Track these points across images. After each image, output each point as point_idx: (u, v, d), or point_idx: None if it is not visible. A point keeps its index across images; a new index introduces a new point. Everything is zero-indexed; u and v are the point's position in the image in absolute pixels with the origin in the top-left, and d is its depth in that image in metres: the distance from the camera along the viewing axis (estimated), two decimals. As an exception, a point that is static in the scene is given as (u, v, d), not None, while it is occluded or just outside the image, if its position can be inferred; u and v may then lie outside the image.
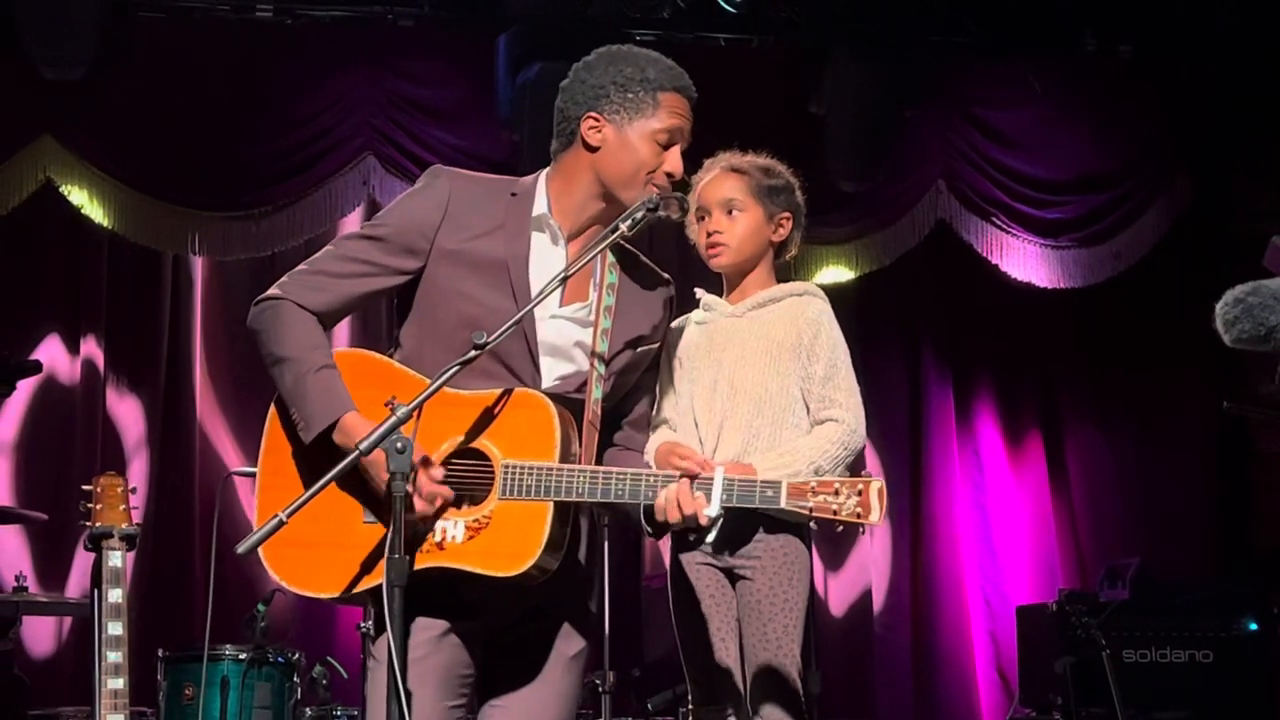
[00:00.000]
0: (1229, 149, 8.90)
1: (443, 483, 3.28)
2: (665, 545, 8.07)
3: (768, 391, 4.09)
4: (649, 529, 3.40)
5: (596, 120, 3.51)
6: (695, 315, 4.26)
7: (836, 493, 3.22)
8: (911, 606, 8.68)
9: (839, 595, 8.62)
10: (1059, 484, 8.95)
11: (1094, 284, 8.73)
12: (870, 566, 8.66)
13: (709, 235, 4.20)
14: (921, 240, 8.65)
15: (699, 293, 4.29)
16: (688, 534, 4.10)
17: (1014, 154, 8.71)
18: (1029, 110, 8.74)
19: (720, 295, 4.30)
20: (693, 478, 3.26)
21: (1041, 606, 7.74)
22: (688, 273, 4.37)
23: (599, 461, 3.47)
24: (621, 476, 3.30)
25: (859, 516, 3.20)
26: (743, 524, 4.02)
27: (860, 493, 3.21)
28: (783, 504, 3.23)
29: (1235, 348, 2.90)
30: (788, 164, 4.36)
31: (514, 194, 3.55)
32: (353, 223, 7.95)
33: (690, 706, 4.25)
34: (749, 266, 4.24)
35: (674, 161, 3.52)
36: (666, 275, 3.74)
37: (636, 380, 3.67)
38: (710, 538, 3.49)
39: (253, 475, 3.47)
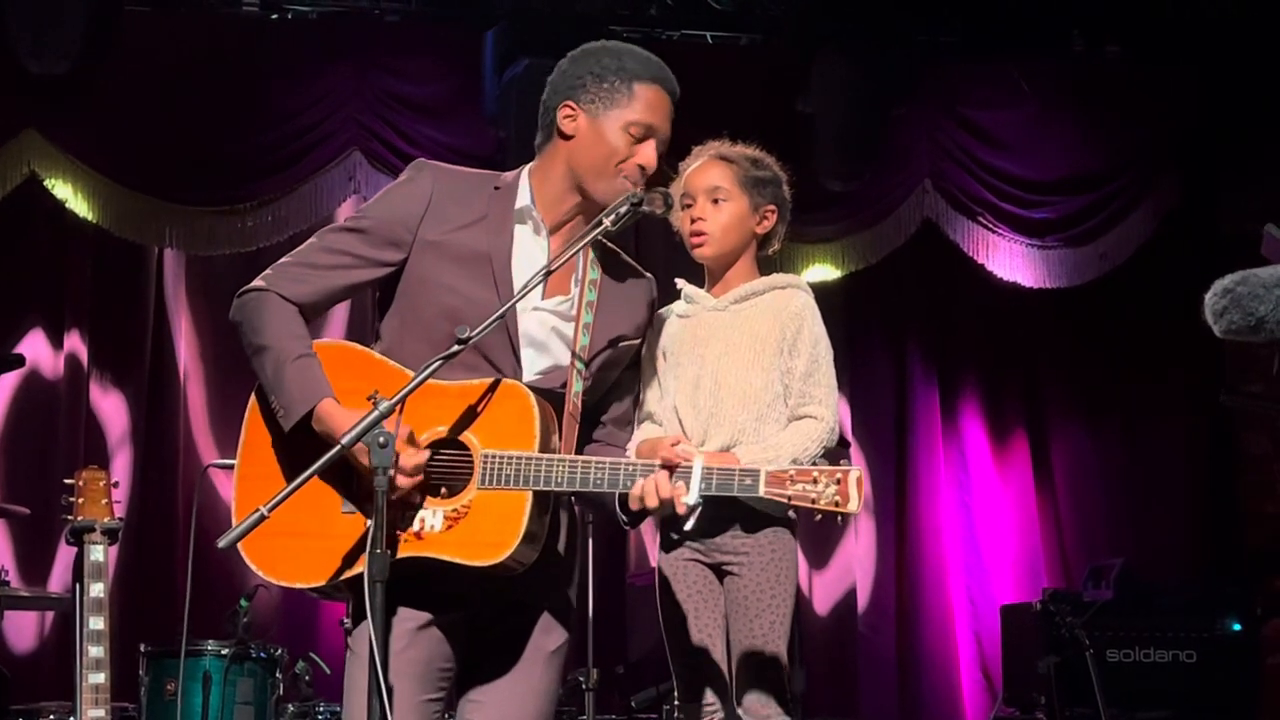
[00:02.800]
0: (1216, 149, 8.91)
1: (425, 470, 3.28)
2: (651, 542, 8.10)
3: (752, 387, 4.08)
4: (624, 518, 3.40)
5: (572, 109, 3.51)
6: (677, 307, 4.24)
7: (815, 481, 3.21)
8: (896, 605, 8.69)
9: (823, 594, 8.63)
10: (1044, 483, 8.96)
11: (1080, 284, 8.74)
12: (855, 565, 8.67)
13: (693, 222, 4.18)
14: (908, 239, 8.66)
15: (680, 283, 4.28)
16: (668, 528, 4.11)
17: (1001, 154, 8.72)
18: (1016, 110, 8.74)
19: (702, 286, 4.29)
20: (672, 468, 3.26)
21: (1026, 606, 7.75)
22: (673, 266, 4.36)
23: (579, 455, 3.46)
24: (600, 465, 3.29)
25: (837, 505, 3.20)
26: (730, 520, 4.02)
27: (839, 481, 3.21)
28: (761, 492, 3.22)
29: (1226, 339, 2.89)
30: (776, 162, 4.34)
31: (497, 187, 3.55)
32: (338, 219, 7.94)
33: (676, 702, 4.24)
34: (732, 258, 4.22)
35: (646, 154, 3.49)
36: (648, 274, 3.74)
37: (617, 378, 3.66)
38: (688, 526, 3.49)
39: (231, 467, 3.47)
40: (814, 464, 3.96)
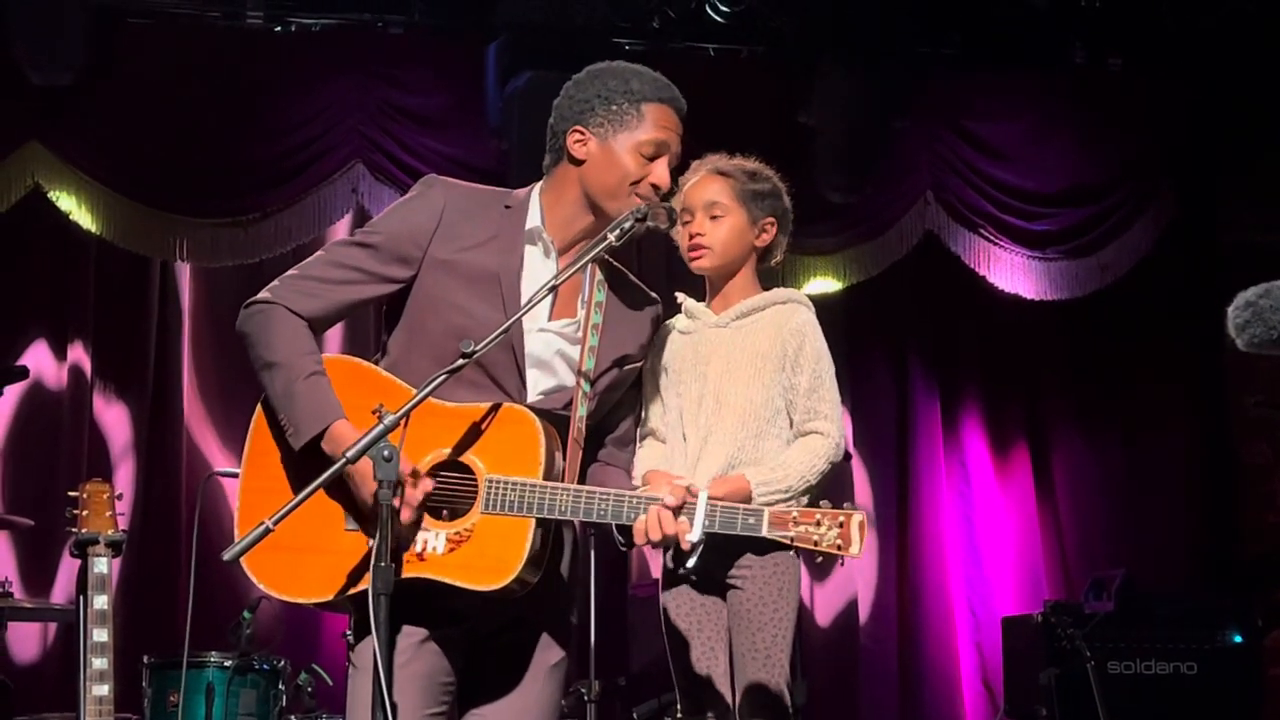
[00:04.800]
0: (1216, 162, 8.92)
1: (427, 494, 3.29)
2: (653, 556, 8.09)
3: (753, 404, 4.08)
4: (621, 539, 3.41)
5: (582, 134, 3.52)
6: (679, 323, 4.24)
7: (818, 524, 3.22)
8: (897, 617, 8.68)
9: (825, 606, 8.62)
10: (1045, 495, 8.95)
11: (1081, 296, 8.75)
12: (856, 577, 8.66)
13: (691, 237, 4.19)
14: (909, 251, 8.66)
15: (680, 298, 4.28)
16: (675, 559, 4.11)
17: (1002, 166, 8.73)
18: (1017, 122, 8.76)
19: (702, 299, 4.29)
20: (678, 507, 3.27)
21: (1027, 618, 7.75)
22: (675, 281, 4.37)
23: (582, 477, 3.47)
24: (605, 496, 3.30)
25: (839, 548, 3.21)
26: (734, 537, 4.01)
27: (841, 525, 3.22)
28: (764, 532, 3.24)
29: (1249, 352, 2.87)
30: (776, 173, 4.35)
31: (507, 206, 3.56)
32: (341, 230, 7.95)
33: (679, 716, 4.24)
34: (731, 270, 4.22)
35: (660, 173, 3.51)
36: (654, 295, 3.75)
37: (620, 397, 3.68)
38: (691, 563, 3.50)
39: (236, 476, 3.47)
40: (822, 480, 4.00)
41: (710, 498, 3.30)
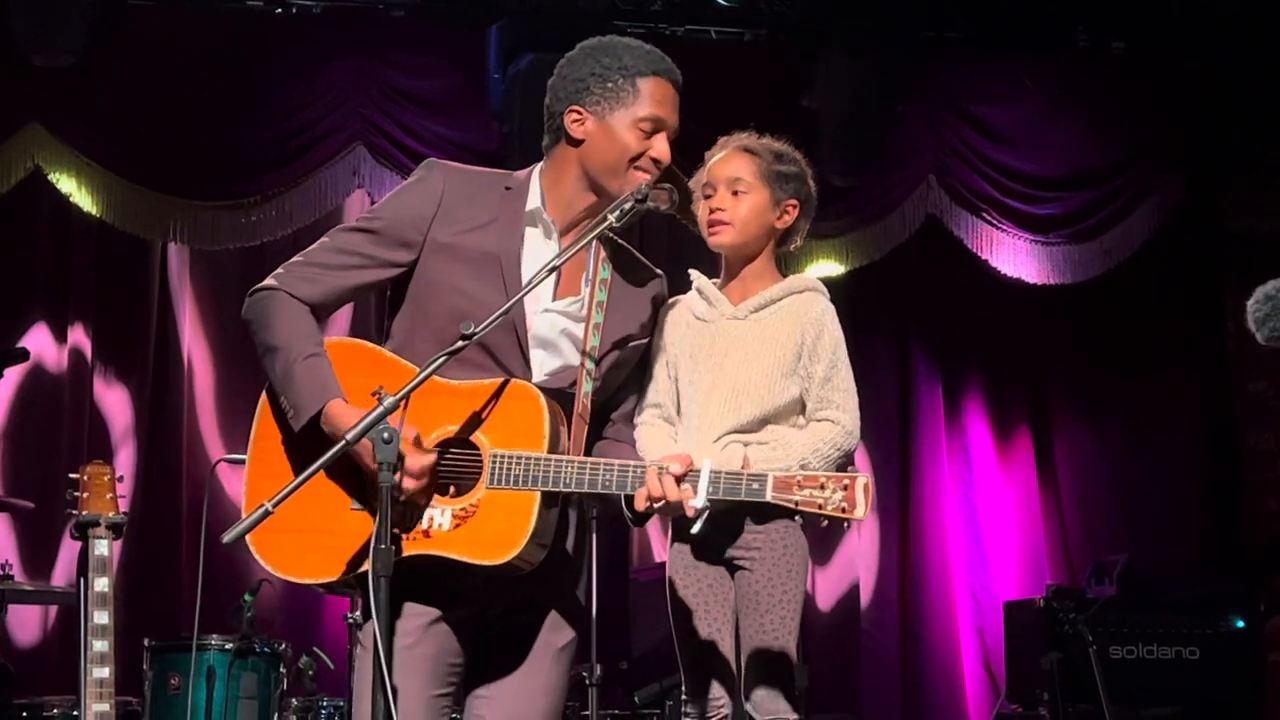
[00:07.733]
0: (1221, 147, 8.90)
1: (432, 469, 3.29)
2: (656, 537, 8.09)
3: (771, 394, 4.06)
4: (630, 515, 3.41)
5: (579, 113, 3.50)
6: (695, 307, 4.16)
7: (822, 487, 3.22)
8: (899, 601, 8.68)
9: (826, 590, 8.62)
10: (1047, 480, 8.95)
11: (1084, 280, 8.74)
12: (858, 561, 8.67)
13: (712, 212, 4.15)
14: (912, 235, 8.65)
15: (694, 275, 4.22)
16: (680, 527, 4.10)
17: (1005, 150, 8.72)
18: (1021, 106, 8.74)
19: (713, 277, 4.24)
20: (681, 475, 3.27)
21: (1029, 602, 7.75)
22: (679, 261, 4.34)
23: (588, 454, 3.46)
24: (609, 467, 3.30)
25: (844, 512, 3.21)
26: (741, 515, 4.00)
27: (846, 488, 3.21)
28: (768, 497, 3.23)
29: (1270, 346, 2.87)
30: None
31: (508, 188, 3.54)
32: (342, 214, 7.93)
33: (684, 697, 4.23)
34: (749, 250, 4.16)
35: (660, 148, 3.50)
36: (659, 271, 3.73)
37: (627, 375, 3.67)
38: (696, 529, 3.49)
39: (242, 463, 3.48)
40: (828, 467, 3.97)
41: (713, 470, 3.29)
